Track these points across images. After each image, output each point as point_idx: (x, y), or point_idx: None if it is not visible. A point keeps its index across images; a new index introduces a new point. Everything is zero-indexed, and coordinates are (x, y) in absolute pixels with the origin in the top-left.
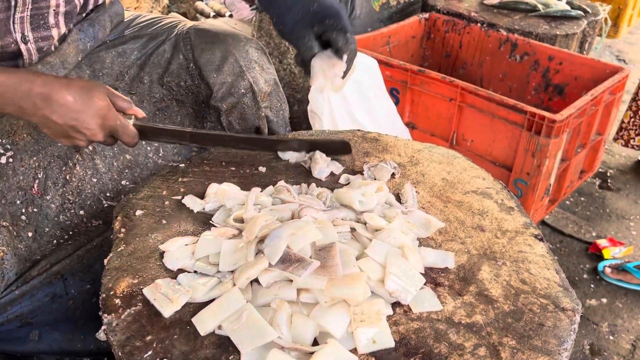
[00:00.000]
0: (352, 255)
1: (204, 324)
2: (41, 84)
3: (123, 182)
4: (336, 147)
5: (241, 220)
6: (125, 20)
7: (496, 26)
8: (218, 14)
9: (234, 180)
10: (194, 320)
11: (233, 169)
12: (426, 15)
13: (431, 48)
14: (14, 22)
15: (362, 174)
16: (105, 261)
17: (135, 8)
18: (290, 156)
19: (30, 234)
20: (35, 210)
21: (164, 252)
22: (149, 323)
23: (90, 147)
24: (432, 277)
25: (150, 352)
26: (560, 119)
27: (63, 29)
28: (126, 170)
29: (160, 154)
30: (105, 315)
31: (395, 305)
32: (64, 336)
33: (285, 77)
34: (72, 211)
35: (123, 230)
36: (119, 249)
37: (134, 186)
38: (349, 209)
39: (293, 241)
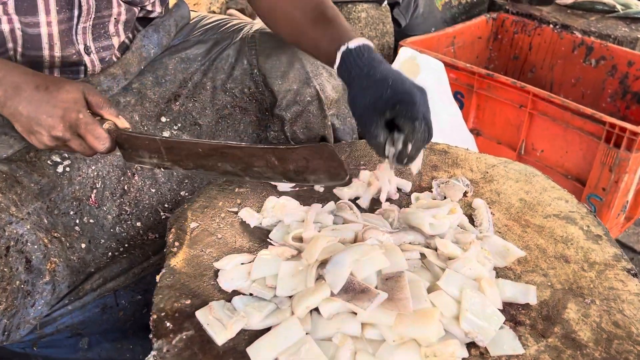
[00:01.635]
0: (424, 287)
1: (259, 355)
2: (17, 74)
3: (182, 193)
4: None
5: (300, 240)
6: (190, 22)
7: (570, 28)
8: None
9: (292, 192)
10: (249, 350)
11: None
12: (494, 15)
13: (498, 49)
14: (76, 33)
15: (431, 191)
16: (158, 277)
17: (194, 4)
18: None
19: (83, 245)
20: (91, 221)
21: (218, 270)
22: (201, 351)
23: None
24: (512, 314)
25: None
26: None
27: (122, 37)
28: (186, 181)
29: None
30: (155, 339)
31: (471, 346)
32: (113, 345)
33: None
34: (129, 222)
35: (176, 244)
36: (172, 265)
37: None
38: (417, 231)
39: (357, 268)
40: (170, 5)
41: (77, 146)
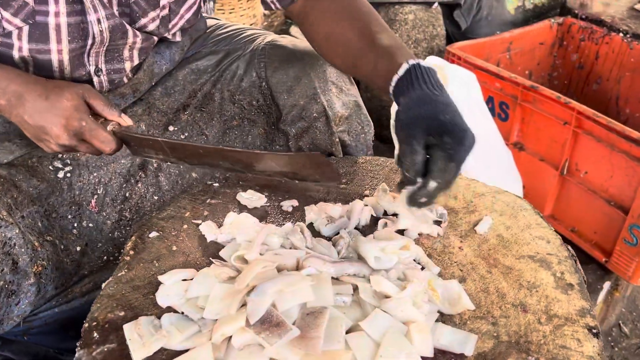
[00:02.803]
0: (343, 327)
1: None
2: (19, 83)
3: None
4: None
5: (245, 261)
6: (206, 32)
7: None
8: None
9: (261, 209)
10: None
11: (266, 194)
12: (560, 20)
13: (563, 57)
14: (88, 56)
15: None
16: (103, 285)
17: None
18: None
19: (79, 248)
20: (90, 225)
21: (159, 283)
22: None
23: (155, 164)
24: None
25: None
26: None
27: (136, 61)
28: (189, 190)
29: (227, 174)
30: (79, 348)
31: None
32: None
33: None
34: (128, 228)
35: (131, 252)
36: (119, 274)
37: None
38: (364, 263)
39: (280, 299)
40: None
41: (86, 149)
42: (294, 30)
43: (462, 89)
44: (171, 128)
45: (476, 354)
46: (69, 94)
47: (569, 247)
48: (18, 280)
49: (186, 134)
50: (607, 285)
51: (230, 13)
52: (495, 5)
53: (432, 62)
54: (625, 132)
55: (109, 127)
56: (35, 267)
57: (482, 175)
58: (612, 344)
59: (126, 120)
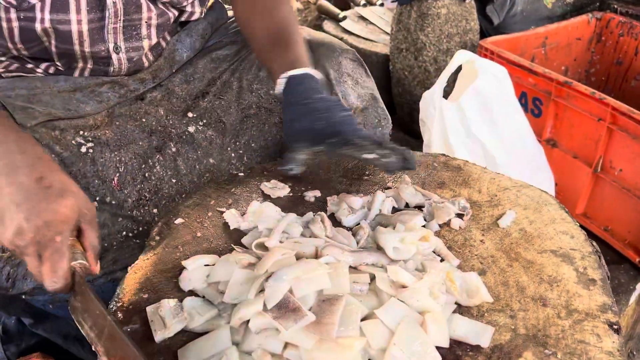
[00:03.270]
0: (358, 314)
1: (185, 358)
2: (32, 155)
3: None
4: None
5: (266, 248)
6: (227, 22)
7: None
8: (369, 3)
9: (284, 198)
10: (179, 352)
11: (289, 185)
12: (599, 14)
13: (601, 52)
14: (107, 32)
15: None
16: (129, 268)
17: None
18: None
19: (98, 220)
20: (113, 202)
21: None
22: (139, 345)
23: (174, 149)
24: (457, 354)
25: None
26: None
27: (154, 40)
28: (207, 174)
29: (243, 161)
30: None
31: None
32: None
33: (419, 75)
34: (147, 208)
35: (157, 238)
36: (145, 258)
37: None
38: (382, 253)
39: (297, 285)
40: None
41: (31, 265)
42: (327, 25)
43: (493, 83)
44: (190, 114)
45: (492, 346)
46: (72, 200)
47: (594, 243)
48: None
49: (205, 121)
50: (639, 286)
51: None
52: (532, 0)
53: (462, 57)
54: None
55: (74, 263)
56: None
57: (512, 170)
58: None
59: (96, 269)
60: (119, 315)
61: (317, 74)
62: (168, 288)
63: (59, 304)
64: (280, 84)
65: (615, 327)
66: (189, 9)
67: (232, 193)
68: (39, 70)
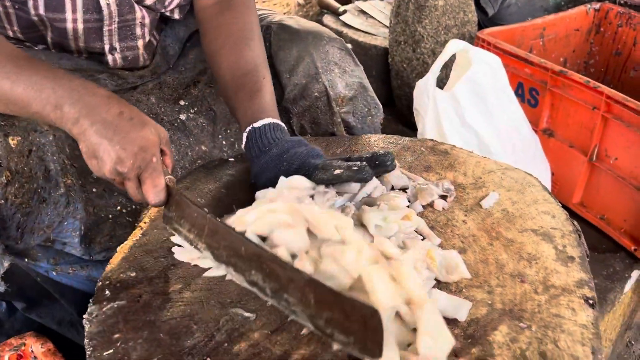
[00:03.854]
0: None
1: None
2: (102, 95)
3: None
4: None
5: None
6: None
7: None
8: None
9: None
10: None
11: None
12: (597, 5)
13: (600, 43)
14: (103, 34)
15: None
16: (118, 249)
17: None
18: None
19: (95, 190)
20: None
21: (172, 246)
22: (123, 320)
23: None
24: None
25: (111, 351)
26: None
27: (147, 38)
28: (199, 161)
29: (235, 149)
30: (91, 304)
31: None
32: None
33: (418, 67)
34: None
35: (147, 220)
36: (134, 238)
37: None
38: (366, 231)
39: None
40: None
41: (132, 188)
42: (327, 19)
43: (487, 72)
44: (182, 102)
45: (469, 319)
46: (153, 127)
47: (574, 222)
48: (50, 188)
49: (196, 109)
50: (635, 274)
51: (264, 2)
52: None
53: (455, 46)
54: None
55: (167, 180)
56: (66, 178)
57: (508, 160)
58: None
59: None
60: (106, 292)
61: (281, 123)
62: (156, 266)
63: (61, 273)
64: (244, 139)
65: (591, 301)
66: (168, 14)
67: (224, 174)
68: (36, 49)
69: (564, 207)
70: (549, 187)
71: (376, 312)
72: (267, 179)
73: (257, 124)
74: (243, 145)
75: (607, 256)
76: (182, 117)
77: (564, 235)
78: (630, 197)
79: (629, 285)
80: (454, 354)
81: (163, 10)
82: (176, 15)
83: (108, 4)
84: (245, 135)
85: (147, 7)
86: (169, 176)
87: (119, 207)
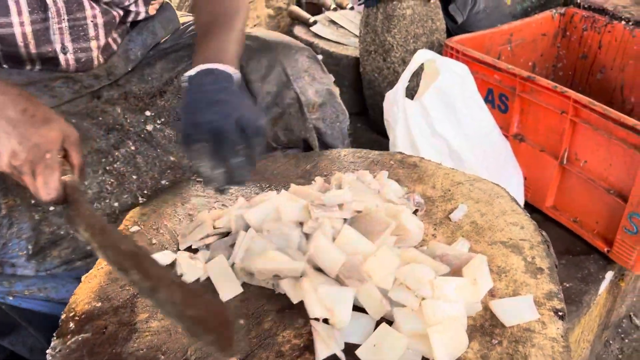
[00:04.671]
0: None
1: None
2: (12, 93)
3: (163, 182)
4: None
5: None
6: (181, 27)
7: None
8: (339, 6)
9: None
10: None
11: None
12: (562, 10)
13: (566, 47)
14: (52, 33)
15: None
16: (83, 277)
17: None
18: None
19: (52, 209)
20: None
21: None
22: (88, 354)
23: (133, 147)
24: None
25: None
26: None
27: (103, 41)
28: (168, 171)
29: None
30: (55, 338)
31: None
32: None
33: (389, 76)
34: (107, 201)
35: None
36: (99, 267)
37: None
38: None
39: None
40: (157, 8)
41: (29, 184)
42: (298, 29)
43: (455, 81)
44: (148, 113)
45: None
46: (55, 124)
47: (543, 233)
48: None
49: (162, 119)
50: (609, 275)
51: None
52: None
53: (423, 55)
54: (621, 119)
55: (65, 177)
56: (7, 199)
57: (479, 166)
58: (622, 335)
59: (82, 179)
60: (70, 325)
61: (234, 72)
62: (122, 295)
63: (18, 296)
64: (186, 76)
65: (560, 313)
66: (132, 8)
67: (188, 198)
68: None
69: (538, 211)
70: (521, 191)
71: (225, 309)
72: (200, 122)
73: (206, 66)
74: (182, 82)
75: (581, 258)
76: (149, 127)
77: (533, 246)
78: (600, 199)
79: (603, 286)
80: None
81: (127, 3)
82: (142, 10)
83: (55, 2)
84: (191, 72)
85: (109, 3)
86: (69, 175)
87: None
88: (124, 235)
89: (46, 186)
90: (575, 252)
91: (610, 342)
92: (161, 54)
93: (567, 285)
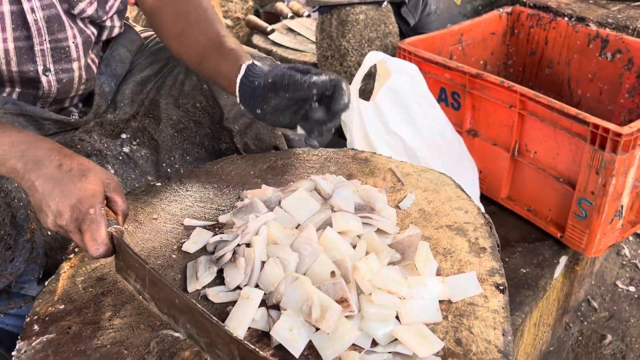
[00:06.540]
0: None
1: None
2: (41, 149)
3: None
4: None
5: None
6: (144, 43)
7: (586, 20)
8: (296, 14)
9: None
10: None
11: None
12: (509, 9)
13: (515, 45)
14: (35, 54)
15: None
16: (46, 283)
17: (222, 7)
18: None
19: (49, 233)
20: None
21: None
22: (53, 353)
23: (112, 170)
24: None
25: None
26: (629, 132)
27: (83, 61)
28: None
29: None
30: (19, 340)
31: None
32: None
33: (347, 80)
34: None
35: (76, 249)
36: (62, 271)
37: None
38: None
39: None
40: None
41: (77, 240)
42: (256, 38)
43: (406, 80)
44: (123, 135)
45: None
46: (93, 175)
47: (486, 215)
48: (15, 235)
49: (137, 140)
50: (563, 259)
51: None
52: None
53: (374, 57)
54: (564, 109)
55: (110, 228)
56: (30, 223)
57: (434, 162)
58: (581, 318)
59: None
60: (34, 327)
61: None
62: (84, 297)
63: (12, 312)
64: (243, 69)
65: (501, 287)
66: (108, 23)
67: (149, 203)
68: None
69: (494, 202)
70: (477, 184)
71: None
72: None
73: (250, 61)
74: (239, 79)
75: (537, 245)
76: (126, 149)
77: (476, 228)
78: (552, 187)
79: (558, 271)
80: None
81: (105, 18)
82: (117, 24)
83: (36, 20)
84: (244, 67)
85: (84, 20)
86: (115, 226)
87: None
88: (174, 288)
89: (94, 242)
90: (531, 240)
91: (571, 325)
92: (127, 78)
93: (524, 271)
